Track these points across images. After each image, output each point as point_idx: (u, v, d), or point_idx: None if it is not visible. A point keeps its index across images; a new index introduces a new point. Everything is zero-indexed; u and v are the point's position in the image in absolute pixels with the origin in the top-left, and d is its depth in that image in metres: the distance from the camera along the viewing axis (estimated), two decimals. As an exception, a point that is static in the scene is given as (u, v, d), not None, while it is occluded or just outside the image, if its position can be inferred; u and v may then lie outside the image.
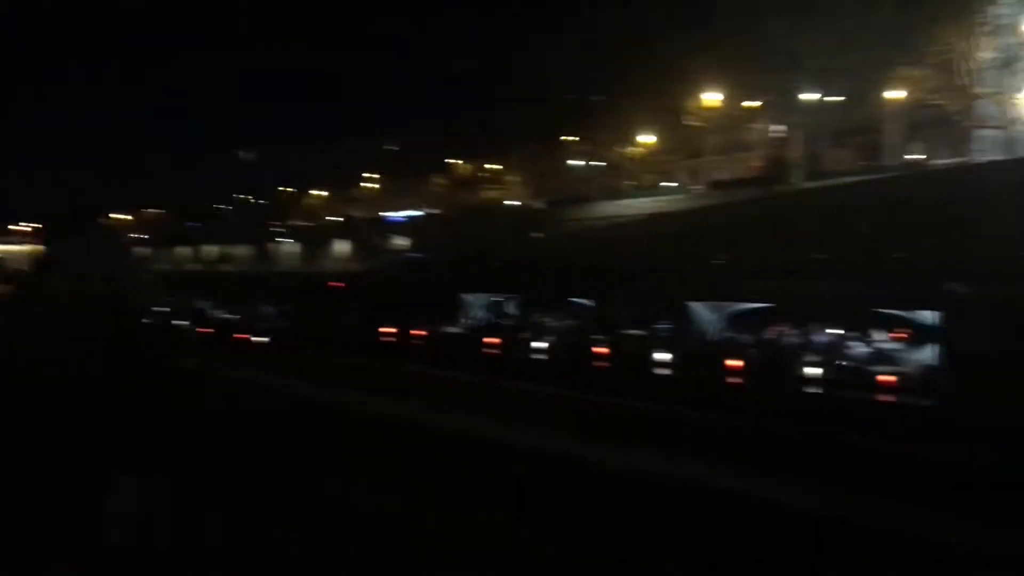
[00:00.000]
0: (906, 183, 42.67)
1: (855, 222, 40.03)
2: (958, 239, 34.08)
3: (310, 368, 32.05)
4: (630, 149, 71.22)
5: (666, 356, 25.63)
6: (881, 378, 20.89)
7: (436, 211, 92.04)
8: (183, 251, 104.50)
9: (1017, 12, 46.25)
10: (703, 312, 28.15)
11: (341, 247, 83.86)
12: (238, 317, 45.19)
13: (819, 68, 54.57)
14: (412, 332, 33.06)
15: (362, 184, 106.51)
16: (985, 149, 57.80)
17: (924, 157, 57.79)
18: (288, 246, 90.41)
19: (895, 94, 54.08)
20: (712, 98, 59.96)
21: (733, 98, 60.50)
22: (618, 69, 63.26)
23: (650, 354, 25.03)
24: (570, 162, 77.27)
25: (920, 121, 58.10)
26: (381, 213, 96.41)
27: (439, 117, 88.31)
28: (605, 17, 64.09)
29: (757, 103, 60.57)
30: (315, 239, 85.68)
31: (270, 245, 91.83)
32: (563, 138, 76.43)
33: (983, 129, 51.96)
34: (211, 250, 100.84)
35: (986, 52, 47.79)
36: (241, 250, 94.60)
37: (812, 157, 56.19)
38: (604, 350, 27.44)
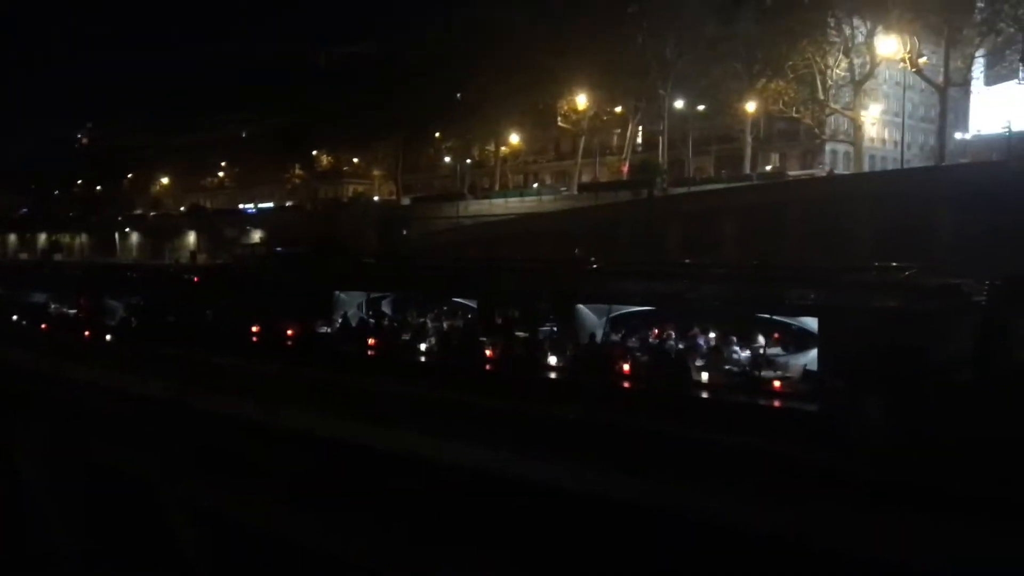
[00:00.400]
0: (771, 192, 44.24)
1: (723, 227, 41.33)
2: (823, 246, 35.72)
3: (163, 368, 29.62)
4: (499, 149, 70.89)
5: (557, 359, 24.89)
6: (776, 384, 20.88)
7: (293, 204, 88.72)
8: (10, 239, 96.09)
9: (870, 33, 48.95)
10: (588, 315, 27.59)
11: (190, 239, 79.29)
12: (78, 312, 41.31)
13: (685, 77, 56.13)
14: (284, 331, 30.94)
15: (216, 173, 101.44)
16: (835, 163, 61.42)
17: (772, 168, 60.71)
18: (133, 236, 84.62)
19: (754, 105, 56.34)
20: (582, 102, 60.45)
21: (602, 103, 61.27)
22: (489, 69, 62.57)
23: (543, 357, 24.22)
24: (445, 159, 76.14)
25: (777, 133, 60.96)
26: (236, 205, 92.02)
27: (300, 108, 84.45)
28: (476, 15, 63.23)
29: (624, 109, 61.58)
30: (162, 229, 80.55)
31: (113, 234, 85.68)
32: (434, 135, 74.69)
33: (835, 143, 54.98)
34: (41, 238, 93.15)
35: (840, 69, 50.41)
36: (79, 239, 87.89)
37: (675, 164, 57.80)
38: (491, 352, 26.36)
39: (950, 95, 57.46)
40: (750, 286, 25.78)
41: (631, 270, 27.57)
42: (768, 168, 59.71)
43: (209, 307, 32.31)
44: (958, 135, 58.34)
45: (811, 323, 24.91)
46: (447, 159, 76.67)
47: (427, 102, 68.27)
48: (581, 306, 28.28)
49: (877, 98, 57.76)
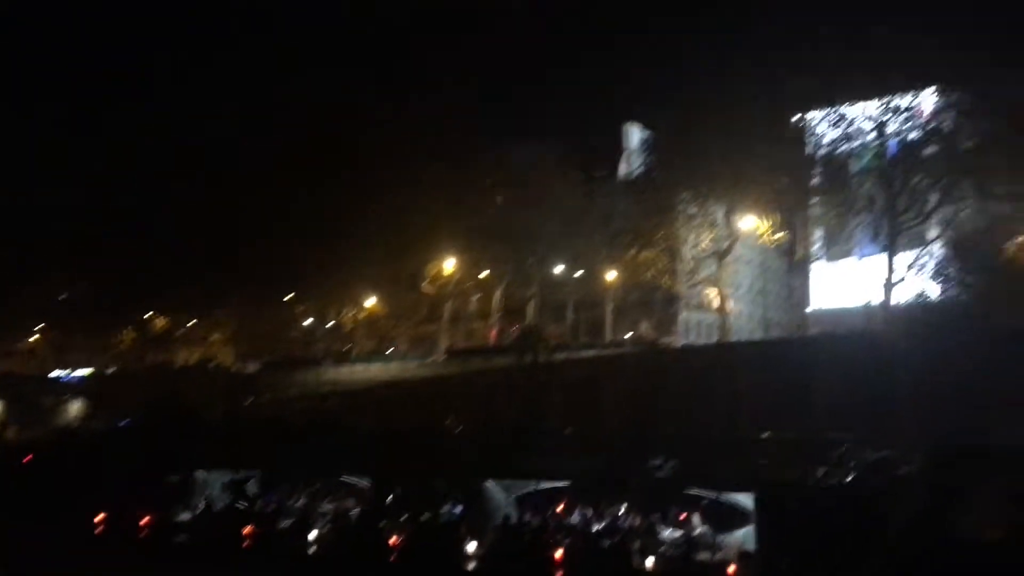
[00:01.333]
0: (655, 359, 44.18)
1: (606, 394, 40.45)
2: (709, 413, 35.22)
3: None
4: (358, 312, 68.36)
5: (476, 546, 22.11)
6: (730, 569, 19.05)
7: (116, 370, 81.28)
8: None
9: (729, 209, 51.72)
10: (497, 492, 25.05)
11: (-2, 409, 70.02)
12: None
13: (551, 246, 56.90)
14: (136, 519, 26.55)
15: (27, 338, 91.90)
16: (688, 332, 63.27)
17: (632, 335, 61.67)
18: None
19: (616, 275, 57.71)
20: (447, 266, 59.87)
21: (467, 267, 60.94)
22: (348, 233, 61.02)
23: (461, 543, 21.42)
24: (299, 323, 72.24)
25: (633, 301, 62.35)
26: (47, 371, 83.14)
27: (128, 266, 78.53)
28: (339, 180, 62.29)
29: (490, 273, 61.48)
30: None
31: None
32: (283, 298, 71.00)
33: (699, 312, 56.80)
34: None
35: (703, 243, 52.65)
36: None
37: (538, 329, 57.29)
38: (395, 540, 23.19)
39: (788, 270, 61.19)
40: (672, 459, 24.23)
41: (549, 444, 25.61)
42: (628, 335, 60.55)
43: (44, 493, 27.27)
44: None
45: (738, 498, 23.38)
46: (307, 322, 72.86)
47: (277, 265, 65.34)
48: (490, 483, 25.79)
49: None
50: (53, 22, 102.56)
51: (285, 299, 71.15)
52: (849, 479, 21.45)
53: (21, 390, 71.55)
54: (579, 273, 59.11)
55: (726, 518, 23.13)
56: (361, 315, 68.65)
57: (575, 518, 24.49)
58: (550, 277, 59.42)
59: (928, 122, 45.68)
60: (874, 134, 46.62)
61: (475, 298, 67.46)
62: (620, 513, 24.40)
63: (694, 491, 23.61)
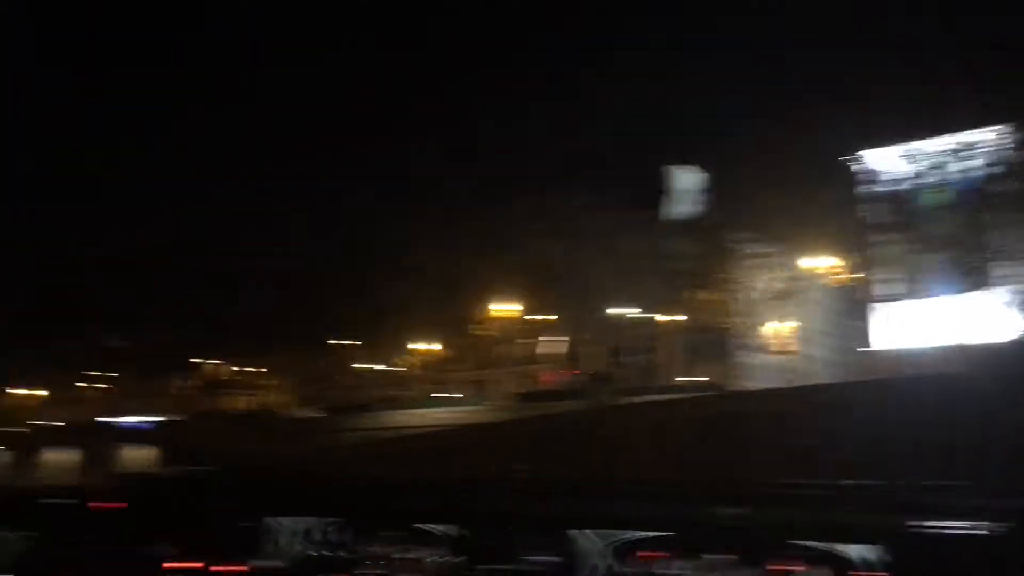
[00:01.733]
0: (736, 402, 42.96)
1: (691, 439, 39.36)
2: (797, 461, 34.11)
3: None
4: (414, 357, 68.33)
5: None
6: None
7: (173, 418, 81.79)
8: None
9: (790, 248, 51.10)
10: (587, 541, 24.45)
11: (60, 456, 70.73)
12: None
13: (605, 288, 56.46)
14: (222, 567, 26.34)
15: (87, 383, 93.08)
16: (754, 373, 61.92)
17: (695, 378, 60.54)
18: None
19: (674, 317, 57.07)
20: (504, 309, 59.67)
21: (525, 311, 60.80)
22: (404, 278, 61.38)
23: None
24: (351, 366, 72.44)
25: (696, 343, 61.37)
26: (111, 418, 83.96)
27: (185, 312, 79.47)
28: (388, 225, 62.97)
29: (549, 317, 61.31)
30: (29, 446, 71.61)
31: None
32: (340, 343, 71.33)
33: (759, 354, 55.70)
34: None
35: (764, 283, 51.99)
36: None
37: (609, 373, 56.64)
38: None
39: (850, 310, 59.76)
40: (775, 507, 23.49)
41: (648, 491, 24.84)
42: (688, 378, 59.36)
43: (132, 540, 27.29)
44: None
45: (844, 548, 22.52)
46: (361, 366, 72.89)
47: (330, 310, 65.97)
48: (576, 532, 25.25)
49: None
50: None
51: (338, 344, 71.65)
52: (985, 529, 20.41)
53: (93, 437, 71.89)
54: (637, 315, 58.45)
55: (834, 570, 22.28)
56: (416, 359, 68.60)
57: (674, 570, 23.72)
58: (606, 319, 58.86)
59: (999, 158, 44.78)
60: (942, 171, 45.82)
61: (522, 341, 66.92)
62: (724, 564, 23.53)
63: (798, 542, 22.69)
